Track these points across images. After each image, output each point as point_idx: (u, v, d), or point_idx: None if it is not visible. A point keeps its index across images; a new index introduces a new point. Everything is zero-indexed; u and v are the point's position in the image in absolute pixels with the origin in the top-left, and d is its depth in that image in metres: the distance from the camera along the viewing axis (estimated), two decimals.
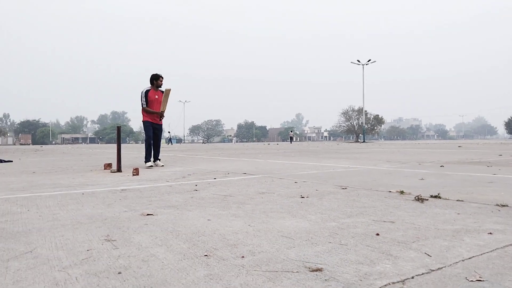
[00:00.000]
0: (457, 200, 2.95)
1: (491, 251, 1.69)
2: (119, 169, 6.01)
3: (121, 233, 2.10)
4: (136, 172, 5.40)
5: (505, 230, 2.03)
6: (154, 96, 6.98)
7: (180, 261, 1.62)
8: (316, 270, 1.48)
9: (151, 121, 7.06)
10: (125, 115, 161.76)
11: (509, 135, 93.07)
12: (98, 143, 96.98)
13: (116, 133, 6.49)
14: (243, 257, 1.66)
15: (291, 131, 50.88)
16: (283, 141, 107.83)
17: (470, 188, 3.63)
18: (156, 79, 6.99)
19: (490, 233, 1.97)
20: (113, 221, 2.39)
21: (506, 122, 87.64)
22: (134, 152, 16.42)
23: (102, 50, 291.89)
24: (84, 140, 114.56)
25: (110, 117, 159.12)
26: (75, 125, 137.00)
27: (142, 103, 6.91)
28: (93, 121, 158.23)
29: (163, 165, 7.01)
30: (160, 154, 7.52)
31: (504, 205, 2.70)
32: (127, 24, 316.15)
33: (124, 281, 1.41)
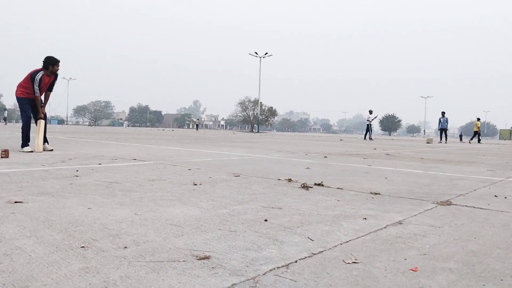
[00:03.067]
0: (338, 188, 3.19)
1: (365, 235, 1.84)
2: None
3: None
4: (5, 154, 4.74)
5: (377, 216, 2.24)
6: (46, 81, 6.00)
7: (52, 254, 1.43)
8: (203, 258, 1.44)
9: (29, 97, 6.08)
10: None
11: (382, 132, 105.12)
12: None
13: None
14: (125, 247, 1.54)
15: (198, 119, 50.92)
16: (179, 127, 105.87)
17: (348, 177, 3.97)
18: (53, 64, 5.90)
19: (365, 219, 2.16)
20: None
21: (380, 120, 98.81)
22: (6, 131, 14.47)
23: None
24: None
25: None
26: None
27: (35, 91, 5.85)
28: None
29: (52, 149, 6.11)
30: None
31: (376, 193, 3.00)
32: None
33: None
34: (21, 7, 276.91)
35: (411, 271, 1.39)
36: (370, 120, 21.61)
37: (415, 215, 2.30)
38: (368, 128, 21.35)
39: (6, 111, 41.88)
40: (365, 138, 21.18)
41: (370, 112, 22.20)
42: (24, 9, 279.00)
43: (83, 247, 1.52)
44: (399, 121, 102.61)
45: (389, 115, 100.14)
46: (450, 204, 2.66)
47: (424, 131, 78.91)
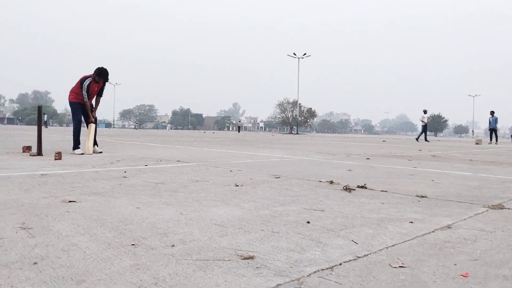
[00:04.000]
0: (382, 191, 3.12)
1: (412, 239, 1.79)
2: (39, 153, 5.56)
3: (39, 220, 1.93)
4: (58, 156, 5.03)
5: (424, 220, 2.17)
6: (94, 88, 6.34)
7: (104, 251, 1.51)
8: (248, 258, 1.46)
9: (80, 102, 6.39)
10: (49, 95, 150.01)
11: (428, 132, 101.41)
12: (17, 124, 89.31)
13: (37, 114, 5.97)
14: (173, 246, 1.59)
15: (240, 121, 51.72)
16: (219, 129, 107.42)
17: (393, 179, 3.87)
18: (105, 77, 6.26)
19: (411, 222, 2.10)
20: (31, 208, 2.19)
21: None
22: (57, 135, 15.33)
23: (24, 19, 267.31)
24: (1, 120, 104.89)
25: (32, 96, 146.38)
26: None
27: (84, 97, 6.20)
28: (11, 100, 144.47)
29: (101, 151, 6.43)
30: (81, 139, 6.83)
31: (423, 196, 2.90)
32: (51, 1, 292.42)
33: (40, 272, 1.28)
34: (69, 15, 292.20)
35: (461, 277, 1.34)
36: (425, 120, 20.70)
37: (465, 219, 2.21)
38: (424, 129, 20.45)
39: (45, 115, 44.30)
40: (426, 140, 20.14)
41: (425, 112, 21.15)
42: (71, 18, 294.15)
43: (133, 244, 1.59)
44: (446, 121, 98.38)
45: (434, 115, 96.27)
46: (502, 208, 2.53)
47: (472, 131, 75.20)
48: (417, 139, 20.53)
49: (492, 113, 20.50)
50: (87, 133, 6.30)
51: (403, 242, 1.74)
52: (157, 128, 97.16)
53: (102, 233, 1.75)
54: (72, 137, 6.37)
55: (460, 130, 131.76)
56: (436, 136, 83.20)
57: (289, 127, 68.25)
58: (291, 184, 3.35)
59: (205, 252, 1.52)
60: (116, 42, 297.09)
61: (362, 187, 3.26)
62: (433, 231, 1.93)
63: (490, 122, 20.51)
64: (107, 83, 6.61)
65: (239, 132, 43.80)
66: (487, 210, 2.46)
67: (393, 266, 1.43)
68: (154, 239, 1.68)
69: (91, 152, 6.13)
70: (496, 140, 20.13)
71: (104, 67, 6.30)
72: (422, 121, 20.87)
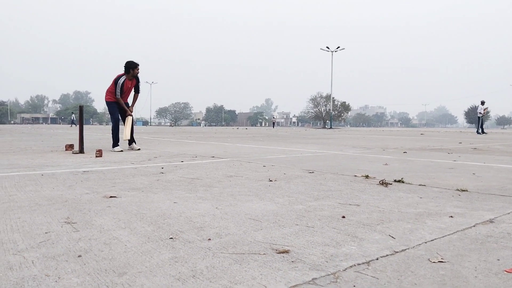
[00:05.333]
0: (420, 185, 3.04)
1: (452, 233, 1.74)
2: (81, 151, 5.80)
3: (82, 215, 2.02)
4: (99, 153, 5.23)
5: (465, 214, 2.10)
6: (128, 85, 6.58)
7: (144, 244, 1.57)
8: (283, 252, 1.47)
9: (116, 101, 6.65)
10: (89, 95, 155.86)
11: (468, 124, 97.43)
12: (59, 124, 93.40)
13: (78, 113, 6.23)
14: (209, 239, 1.63)
15: (274, 117, 52.00)
16: (252, 125, 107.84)
17: (431, 173, 3.75)
18: (133, 68, 6.45)
19: (451, 217, 2.03)
20: (74, 203, 2.29)
21: (465, 112, 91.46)
22: (98, 133, 15.92)
23: (65, 25, 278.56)
24: (45, 120, 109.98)
25: (73, 96, 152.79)
26: (36, 104, 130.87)
27: (117, 93, 6.45)
28: (54, 101, 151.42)
29: (139, 148, 6.65)
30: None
31: (464, 190, 2.80)
32: (94, 2, 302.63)
33: (84, 264, 1.35)
34: (107, 21, 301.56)
35: (505, 272, 1.29)
36: (482, 112, 19.84)
37: (508, 213, 2.12)
38: (480, 121, 19.60)
39: (73, 114, 46.02)
40: (482, 132, 19.33)
41: (482, 103, 20.32)
42: (108, 24, 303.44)
43: (171, 238, 1.64)
44: (487, 112, 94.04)
45: (475, 106, 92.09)
46: None
47: None
48: (477, 132, 19.64)
49: None
50: (125, 124, 6.56)
51: (443, 236, 1.69)
52: (192, 125, 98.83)
53: (142, 227, 1.81)
54: (111, 135, 6.60)
55: (503, 121, 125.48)
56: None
57: (322, 121, 67.46)
58: (325, 179, 3.33)
59: (241, 246, 1.54)
60: (150, 43, 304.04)
61: (399, 181, 3.19)
62: (474, 226, 1.86)
63: None
64: (141, 81, 6.81)
65: (273, 127, 43.78)
66: None
67: (432, 261, 1.39)
68: (191, 233, 1.72)
69: (129, 137, 6.40)
70: None
71: (130, 60, 6.53)
72: (479, 112, 20.04)
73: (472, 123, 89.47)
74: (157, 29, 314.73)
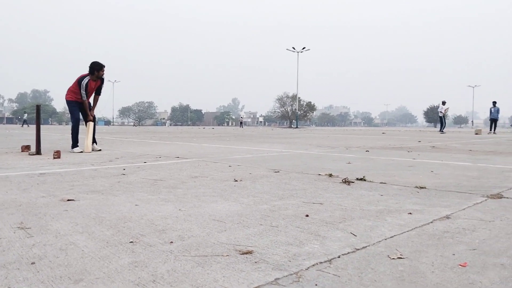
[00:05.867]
0: (381, 183, 3.12)
1: (411, 230, 1.79)
2: (38, 152, 5.55)
3: (37, 220, 1.93)
4: (57, 155, 5.02)
5: (423, 210, 2.17)
6: (92, 86, 6.31)
7: (103, 249, 1.51)
8: (246, 253, 1.46)
9: (78, 100, 6.36)
10: (48, 94, 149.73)
11: (427, 123, 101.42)
12: (16, 124, 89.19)
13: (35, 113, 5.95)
14: (171, 242, 1.59)
15: (241, 117, 52.03)
16: (218, 125, 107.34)
17: (392, 171, 3.87)
18: (99, 69, 6.20)
19: (410, 213, 2.10)
20: (29, 208, 2.18)
21: (424, 112, 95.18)
22: (57, 133, 15.31)
23: (19, 19, 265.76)
24: (0, 120, 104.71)
25: (31, 95, 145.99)
26: None
27: (82, 95, 6.17)
28: (10, 100, 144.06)
29: (100, 149, 6.41)
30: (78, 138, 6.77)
31: (422, 187, 2.90)
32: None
33: (38, 272, 1.28)
34: (67, 15, 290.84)
35: (460, 266, 1.34)
36: (443, 111, 20.42)
37: (464, 209, 2.21)
38: (442, 121, 20.17)
39: (25, 114, 44.25)
40: (442, 131, 19.83)
41: (443, 103, 20.86)
42: (70, 17, 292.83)
43: (131, 242, 1.59)
44: (447, 112, 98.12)
45: (433, 106, 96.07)
46: (501, 197, 2.53)
47: (472, 122, 75.24)
48: (441, 131, 20.08)
49: (494, 103, 20.43)
50: (85, 131, 6.29)
51: (402, 233, 1.73)
52: (157, 125, 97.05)
53: (101, 231, 1.75)
54: (71, 135, 6.34)
55: (460, 120, 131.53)
56: (435, 127, 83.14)
57: (288, 121, 68.19)
58: (290, 178, 3.35)
59: (204, 248, 1.52)
60: (113, 41, 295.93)
61: (361, 179, 3.26)
62: (431, 222, 1.92)
63: (491, 112, 20.43)
64: (105, 81, 6.58)
65: (241, 127, 43.72)
66: (485, 200, 2.46)
67: (392, 257, 1.42)
68: (153, 236, 1.68)
69: (90, 150, 6.13)
70: (495, 130, 20.09)
71: (95, 61, 6.28)
72: (440, 111, 20.63)
73: (431, 122, 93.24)
74: (121, 25, 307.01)
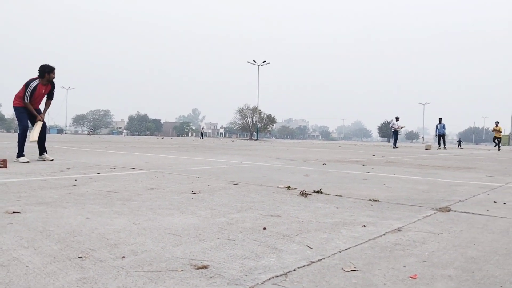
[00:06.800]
0: (336, 195, 3.19)
1: (364, 242, 1.84)
2: None
3: None
4: (3, 164, 4.73)
5: (376, 223, 2.23)
6: (41, 90, 5.99)
7: (49, 265, 1.43)
8: (202, 268, 1.43)
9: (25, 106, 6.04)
10: None
11: (381, 138, 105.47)
12: None
13: None
14: (123, 257, 1.53)
15: (202, 128, 51.71)
16: (178, 135, 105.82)
17: (347, 184, 3.97)
18: (49, 72, 5.89)
19: (364, 226, 2.15)
20: None
21: (379, 127, 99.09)
22: (4, 141, 14.46)
23: None
24: None
25: None
26: None
27: (26, 97, 5.84)
28: None
29: (52, 159, 6.08)
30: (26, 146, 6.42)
31: (375, 200, 2.99)
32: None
33: None
34: (17, 14, 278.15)
35: (410, 278, 1.39)
36: (395, 127, 20.79)
37: (414, 222, 2.30)
38: (395, 136, 20.49)
39: None
40: (395, 146, 20.21)
41: (397, 118, 21.23)
42: (21, 16, 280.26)
43: (81, 257, 1.52)
44: (402, 128, 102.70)
45: (387, 121, 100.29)
46: (449, 211, 2.65)
47: (422, 137, 79.09)
48: (394, 146, 20.42)
49: (440, 120, 21.56)
50: (33, 126, 6.01)
51: (356, 245, 1.77)
52: (113, 134, 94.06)
53: (48, 245, 1.66)
54: (17, 143, 5.99)
55: (412, 136, 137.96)
56: (388, 142, 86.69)
57: (249, 133, 68.51)
58: (249, 190, 3.35)
59: (158, 263, 1.47)
60: (66, 43, 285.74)
61: (318, 192, 3.31)
62: (384, 234, 1.98)
63: (438, 129, 21.52)
64: (56, 86, 6.30)
65: (201, 138, 43.39)
66: (435, 213, 2.57)
67: (346, 270, 1.45)
68: (104, 250, 1.61)
69: (36, 138, 5.86)
70: (444, 146, 21.20)
71: (45, 64, 6.01)
72: (392, 127, 21.20)
73: (385, 137, 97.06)
74: (74, 29, 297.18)
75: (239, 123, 70.94)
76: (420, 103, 78.92)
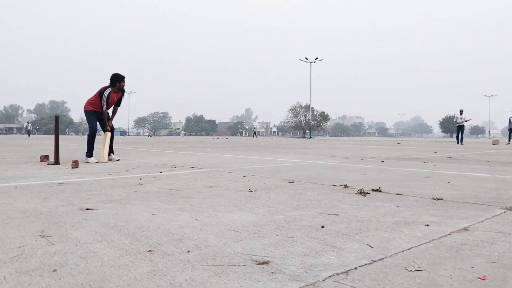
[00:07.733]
0: (397, 194, 3.10)
1: (428, 242, 1.78)
2: (57, 162, 5.67)
3: (58, 228, 1.97)
4: (75, 164, 5.12)
5: (440, 222, 2.15)
6: (113, 98, 6.47)
7: (122, 257, 1.54)
8: (263, 263, 1.47)
9: (95, 110, 6.49)
10: (65, 104, 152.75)
11: (443, 134, 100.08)
12: (35, 134, 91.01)
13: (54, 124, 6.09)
14: (188, 251, 1.61)
15: (255, 127, 52.81)
16: (232, 135, 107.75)
17: (408, 182, 3.83)
18: (120, 81, 6.37)
19: (427, 225, 2.08)
20: (49, 216, 2.23)
21: (440, 122, 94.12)
22: (74, 144, 15.59)
23: (41, 30, 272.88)
24: (19, 130, 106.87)
25: (48, 106, 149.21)
26: (9, 114, 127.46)
27: (103, 106, 6.32)
28: (29, 111, 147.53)
29: (118, 159, 6.51)
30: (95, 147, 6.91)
31: (439, 199, 2.87)
32: (68, 7, 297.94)
33: (60, 279, 1.31)
34: (82, 24, 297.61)
35: (479, 279, 1.33)
36: (459, 121, 19.15)
37: (482, 221, 2.18)
38: (460, 130, 18.99)
39: (29, 124, 45.23)
40: (460, 142, 18.78)
41: (461, 112, 19.53)
42: (86, 25, 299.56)
43: (150, 251, 1.62)
44: (466, 121, 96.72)
45: (449, 116, 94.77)
46: None
47: (489, 132, 74.01)
48: (460, 142, 19.00)
49: None
50: (102, 141, 6.40)
51: (419, 245, 1.72)
52: (171, 135, 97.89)
53: (119, 240, 1.78)
54: (87, 144, 6.46)
55: (477, 131, 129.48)
56: (451, 137, 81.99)
57: (302, 131, 68.03)
58: (304, 189, 3.35)
59: (220, 258, 1.54)
60: (129, 53, 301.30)
61: (376, 190, 3.24)
62: (449, 234, 1.90)
63: (510, 122, 19.95)
64: (125, 93, 6.73)
65: (255, 137, 43.89)
66: (504, 212, 2.42)
67: (409, 269, 1.42)
68: (170, 245, 1.70)
69: (106, 161, 6.23)
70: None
71: (116, 72, 6.44)
72: (456, 121, 19.51)
73: (447, 133, 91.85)
74: (135, 34, 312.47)
75: (291, 122, 70.64)
76: (485, 95, 73.82)
